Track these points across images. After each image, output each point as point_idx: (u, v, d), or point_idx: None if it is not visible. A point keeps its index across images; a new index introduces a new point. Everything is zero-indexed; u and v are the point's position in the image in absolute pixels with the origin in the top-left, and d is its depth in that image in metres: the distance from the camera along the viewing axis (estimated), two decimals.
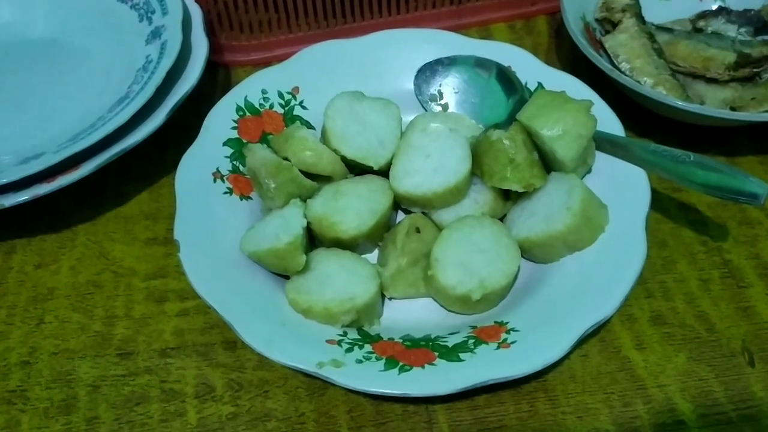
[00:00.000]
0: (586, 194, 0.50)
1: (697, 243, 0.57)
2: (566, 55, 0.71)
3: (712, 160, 0.50)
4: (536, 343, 0.45)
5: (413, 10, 0.73)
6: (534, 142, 0.53)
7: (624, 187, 0.53)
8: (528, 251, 0.52)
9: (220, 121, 0.57)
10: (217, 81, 0.71)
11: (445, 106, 0.62)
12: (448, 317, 0.51)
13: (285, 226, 0.50)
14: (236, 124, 0.58)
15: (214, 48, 0.71)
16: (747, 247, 0.56)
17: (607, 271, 0.49)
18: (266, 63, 0.71)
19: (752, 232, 0.57)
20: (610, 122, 0.56)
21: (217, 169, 0.55)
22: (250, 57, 0.72)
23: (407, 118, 0.59)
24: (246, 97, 0.59)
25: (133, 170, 0.62)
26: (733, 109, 0.62)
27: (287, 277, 0.51)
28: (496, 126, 0.55)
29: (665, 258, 0.56)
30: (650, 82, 0.63)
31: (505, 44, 0.63)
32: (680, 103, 0.57)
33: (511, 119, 0.58)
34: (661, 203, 0.58)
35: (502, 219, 0.54)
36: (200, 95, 0.60)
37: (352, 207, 0.52)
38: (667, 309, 0.53)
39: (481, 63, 0.61)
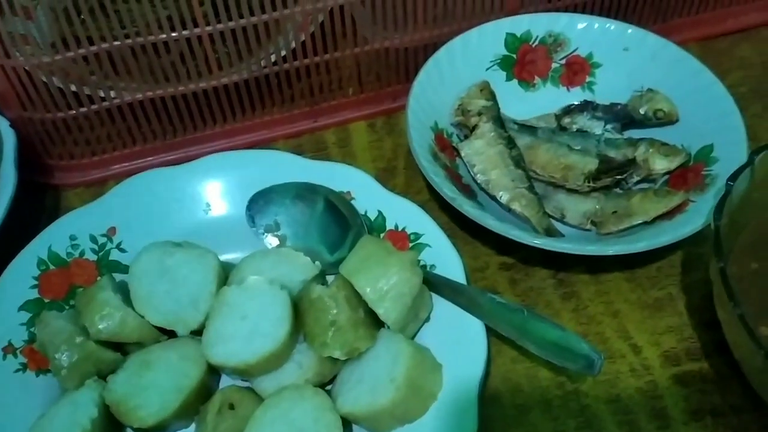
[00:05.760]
0: (413, 362, 0.45)
1: (553, 386, 0.51)
2: None
3: (547, 318, 0.45)
4: None
5: (264, 114, 0.67)
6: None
7: (462, 342, 0.48)
8: (357, 424, 0.47)
9: (14, 282, 0.51)
10: (45, 208, 0.64)
11: (283, 238, 0.56)
12: None
13: (70, 419, 0.44)
14: (37, 282, 0.52)
15: (42, 169, 0.65)
16: (606, 388, 0.51)
17: None
18: (102, 182, 0.65)
19: (613, 369, 0.52)
20: (451, 263, 0.51)
21: (9, 342, 0.49)
22: (84, 177, 0.65)
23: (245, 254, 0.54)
24: (50, 247, 0.53)
25: None
26: (593, 223, 0.57)
27: None
28: (322, 273, 0.50)
29: (519, 407, 0.50)
30: (506, 197, 0.58)
31: (343, 166, 0.57)
32: (516, 236, 0.51)
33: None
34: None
35: (332, 380, 0.49)
36: (29, 227, 0.54)
37: (155, 384, 0.46)
38: None
39: (310, 191, 0.55)
